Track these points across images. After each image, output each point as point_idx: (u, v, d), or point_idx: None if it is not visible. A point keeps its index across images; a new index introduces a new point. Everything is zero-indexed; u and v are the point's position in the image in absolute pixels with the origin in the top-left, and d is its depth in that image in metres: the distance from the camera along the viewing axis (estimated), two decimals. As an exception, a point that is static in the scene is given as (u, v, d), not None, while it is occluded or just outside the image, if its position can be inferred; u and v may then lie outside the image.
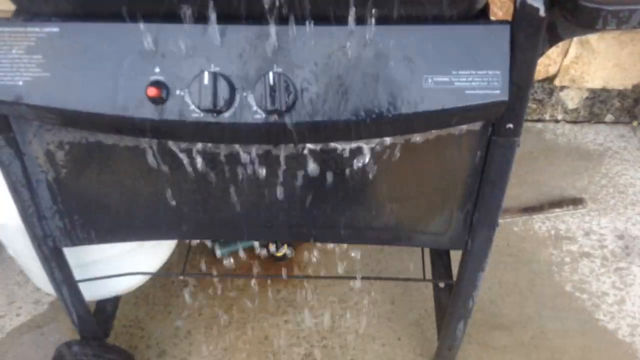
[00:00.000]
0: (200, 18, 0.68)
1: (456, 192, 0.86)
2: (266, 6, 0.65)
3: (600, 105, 1.84)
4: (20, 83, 0.70)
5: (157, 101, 0.70)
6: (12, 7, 0.73)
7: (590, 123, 1.88)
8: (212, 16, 0.67)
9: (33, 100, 0.71)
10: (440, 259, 1.26)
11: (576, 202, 1.61)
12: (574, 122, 1.88)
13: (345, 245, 1.41)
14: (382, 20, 0.68)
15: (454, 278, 1.03)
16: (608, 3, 0.62)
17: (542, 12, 0.66)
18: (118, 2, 0.67)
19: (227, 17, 0.68)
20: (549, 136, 1.83)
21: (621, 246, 1.52)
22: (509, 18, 0.69)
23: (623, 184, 1.68)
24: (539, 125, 1.87)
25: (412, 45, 0.69)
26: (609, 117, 1.87)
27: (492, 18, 0.74)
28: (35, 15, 0.71)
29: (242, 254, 1.47)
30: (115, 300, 1.30)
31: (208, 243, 1.47)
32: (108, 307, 1.28)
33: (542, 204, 1.61)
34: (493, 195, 0.84)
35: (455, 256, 1.02)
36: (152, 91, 0.69)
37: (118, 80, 0.70)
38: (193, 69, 0.69)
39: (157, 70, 0.69)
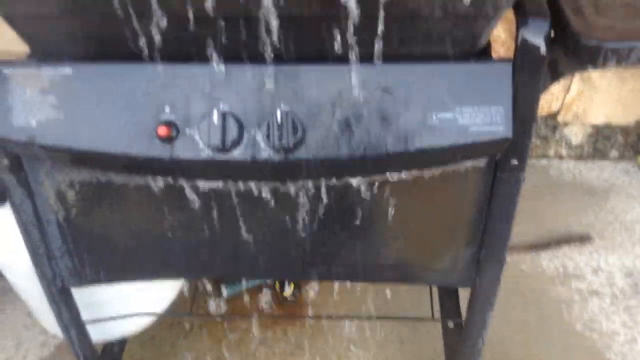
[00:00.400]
0: (210, 59, 0.70)
1: (462, 228, 0.86)
2: (273, 47, 0.67)
3: (604, 141, 1.85)
4: (34, 124, 0.72)
5: (167, 140, 0.71)
6: (26, 48, 0.75)
7: (595, 159, 1.89)
8: (221, 57, 0.69)
9: (46, 141, 0.72)
10: (448, 297, 1.25)
11: (583, 238, 1.61)
12: (579, 158, 1.89)
13: (352, 284, 1.41)
14: (386, 59, 0.69)
15: (463, 317, 1.02)
16: (609, 40, 0.64)
17: (543, 50, 0.67)
18: (129, 44, 0.69)
19: (235, 58, 0.70)
20: (553, 172, 1.84)
21: (630, 284, 1.50)
22: (511, 55, 0.70)
23: (629, 221, 1.67)
24: (544, 161, 1.88)
25: (416, 82, 0.71)
26: (613, 153, 1.88)
27: (494, 55, 0.76)
28: (49, 56, 0.72)
29: (249, 289, 1.46)
30: (122, 342, 1.29)
31: (215, 283, 1.47)
32: (115, 349, 1.27)
33: (549, 240, 1.60)
34: (499, 232, 0.85)
35: (464, 294, 1.01)
36: (163, 130, 0.70)
37: (129, 119, 0.71)
38: (202, 108, 0.71)
39: (167, 109, 0.71)
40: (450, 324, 1.25)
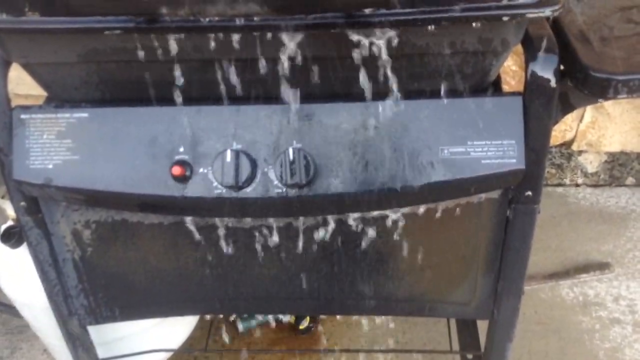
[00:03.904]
0: (223, 99, 0.71)
1: (479, 260, 0.86)
2: (284, 86, 0.68)
3: (620, 169, 1.84)
4: (50, 166, 0.73)
5: (181, 179, 0.72)
6: (43, 92, 0.76)
7: (611, 186, 1.87)
8: (234, 97, 0.70)
9: (62, 182, 0.73)
10: (466, 328, 1.23)
11: (603, 266, 1.58)
12: (595, 185, 1.87)
13: (368, 317, 1.39)
14: (397, 95, 0.70)
15: (482, 348, 1.01)
16: (619, 73, 0.64)
17: (553, 83, 0.68)
18: (144, 88, 0.70)
19: (248, 97, 0.71)
20: (570, 200, 1.82)
21: (652, 311, 1.48)
22: (521, 86, 0.71)
23: (649, 247, 1.65)
24: (560, 189, 1.86)
25: (427, 118, 0.71)
26: (630, 180, 1.86)
27: (505, 87, 0.76)
28: (66, 101, 0.74)
29: (264, 323, 1.45)
30: (137, 379, 1.28)
31: (231, 318, 1.46)
32: (131, 386, 1.26)
33: (568, 269, 1.58)
34: (516, 263, 0.84)
35: (483, 325, 1.00)
36: (177, 170, 0.71)
37: (144, 160, 0.72)
38: (216, 147, 0.72)
39: (181, 149, 0.72)
40: (469, 356, 1.23)
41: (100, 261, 0.87)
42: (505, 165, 0.71)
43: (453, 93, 0.71)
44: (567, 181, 1.87)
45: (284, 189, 0.72)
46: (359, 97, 0.70)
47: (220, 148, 0.71)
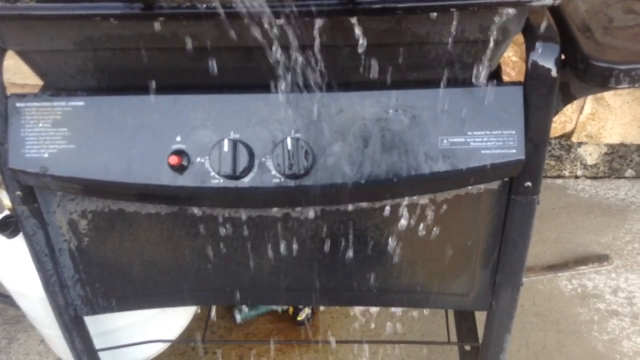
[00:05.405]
0: (220, 88, 0.70)
1: (477, 252, 0.85)
2: (282, 75, 0.67)
3: (620, 160, 1.84)
4: (46, 155, 0.72)
5: (179, 169, 0.71)
6: (40, 81, 0.76)
7: (611, 178, 1.87)
8: (232, 86, 0.70)
9: (58, 171, 0.73)
10: (464, 320, 1.23)
11: (601, 258, 1.58)
12: (594, 177, 1.87)
13: (366, 308, 1.39)
14: (396, 84, 0.69)
15: (480, 339, 1.00)
16: (620, 62, 0.63)
17: (554, 73, 0.67)
18: (140, 76, 0.70)
19: (245, 86, 0.70)
20: (570, 192, 1.82)
21: (651, 303, 1.48)
22: (522, 77, 0.70)
23: (648, 239, 1.65)
24: (559, 181, 1.86)
25: (427, 107, 0.70)
26: (629, 172, 1.86)
27: (505, 79, 0.75)
28: (62, 90, 0.73)
29: (262, 314, 1.45)
30: (135, 369, 1.28)
31: (227, 308, 1.46)
32: (128, 376, 1.26)
33: (567, 261, 1.58)
34: (515, 254, 0.83)
35: (481, 317, 0.99)
36: (174, 159, 0.70)
37: (140, 149, 0.72)
38: (213, 137, 0.71)
39: (178, 139, 0.71)
40: (467, 348, 1.23)
41: (96, 251, 0.87)
42: (505, 156, 0.71)
43: (453, 82, 0.71)
44: (567, 173, 1.87)
45: (282, 179, 0.72)
46: (357, 86, 0.69)
47: (218, 137, 0.71)
